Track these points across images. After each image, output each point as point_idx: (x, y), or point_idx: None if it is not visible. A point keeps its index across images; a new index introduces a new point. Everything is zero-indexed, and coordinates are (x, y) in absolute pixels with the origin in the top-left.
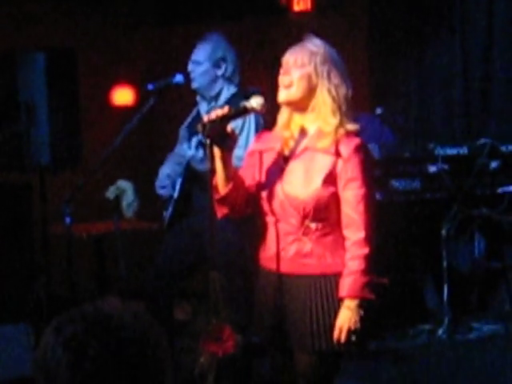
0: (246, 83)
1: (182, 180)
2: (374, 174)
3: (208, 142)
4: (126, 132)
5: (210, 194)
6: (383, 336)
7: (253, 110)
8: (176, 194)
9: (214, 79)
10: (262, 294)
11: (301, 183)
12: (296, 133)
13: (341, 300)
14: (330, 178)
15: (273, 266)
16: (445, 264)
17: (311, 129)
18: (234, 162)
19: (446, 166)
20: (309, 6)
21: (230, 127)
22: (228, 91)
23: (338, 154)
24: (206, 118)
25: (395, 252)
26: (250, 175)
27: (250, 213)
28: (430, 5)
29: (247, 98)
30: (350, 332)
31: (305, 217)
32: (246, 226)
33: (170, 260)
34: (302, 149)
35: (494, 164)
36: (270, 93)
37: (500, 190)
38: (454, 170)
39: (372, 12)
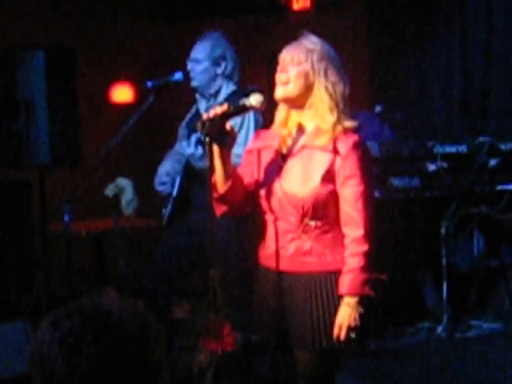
0: (246, 81)
1: (181, 178)
2: (373, 170)
3: (207, 139)
4: (126, 130)
5: (209, 191)
6: (383, 334)
7: (252, 107)
8: (175, 192)
9: (214, 77)
10: (262, 293)
11: (299, 181)
12: (294, 130)
13: (340, 297)
14: (329, 176)
15: (272, 264)
16: (444, 262)
17: (309, 126)
18: (233, 159)
19: (445, 164)
20: (308, 4)
21: (229, 125)
22: (227, 89)
23: (335, 151)
24: (205, 116)
25: (394, 250)
26: (249, 173)
27: (248, 211)
28: (429, 3)
29: (246, 95)
30: (349, 329)
31: (304, 215)
32: (245, 223)
33: (169, 258)
34: (300, 147)
35: (493, 162)
36: (269, 91)
37: (499, 188)
38: (454, 168)
39: (372, 10)
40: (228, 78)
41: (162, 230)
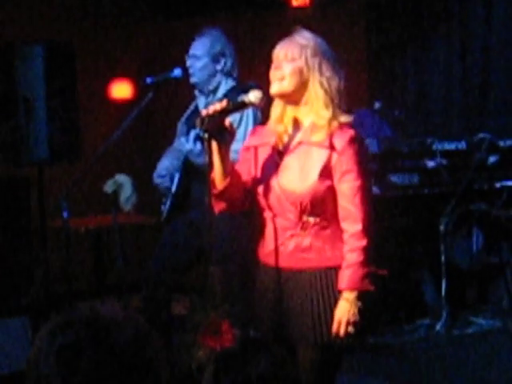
0: (244, 78)
1: (180, 174)
2: (369, 165)
3: (206, 136)
4: (125, 126)
5: (208, 188)
6: (382, 330)
7: (251, 103)
8: (174, 188)
9: (213, 74)
10: (262, 290)
11: (297, 178)
12: (290, 127)
13: (340, 292)
14: (326, 172)
15: (272, 261)
16: (443, 259)
17: (305, 122)
18: (232, 155)
19: (444, 161)
20: (307, 1)
21: (228, 121)
22: (226, 85)
23: (332, 147)
24: (204, 112)
25: (393, 247)
26: (246, 170)
27: (247, 208)
28: (428, 0)
29: (245, 92)
30: (348, 324)
31: (302, 211)
32: (244, 220)
33: (168, 254)
34: (297, 143)
35: (492, 159)
36: (268, 87)
37: (498, 185)
38: (453, 165)
39: (371, 7)
40: (227, 74)
41: (160, 226)
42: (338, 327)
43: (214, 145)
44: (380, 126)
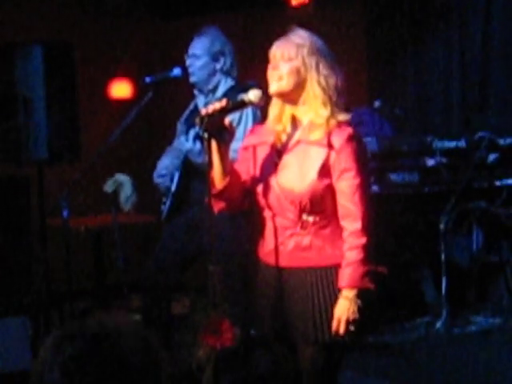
0: (244, 77)
1: (179, 173)
2: (368, 163)
3: (206, 135)
4: (124, 125)
5: (208, 187)
6: (382, 329)
7: (250, 102)
8: (174, 188)
9: (213, 73)
10: (263, 289)
11: (296, 176)
12: (288, 125)
13: (340, 290)
14: (325, 170)
15: (272, 260)
16: (443, 257)
17: (303, 120)
18: (232, 154)
19: (444, 160)
20: None
21: (227, 120)
22: (225, 84)
23: (330, 145)
24: (203, 111)
25: (393, 245)
26: (245, 170)
27: (246, 207)
28: None
29: (245, 91)
30: (348, 322)
31: (301, 210)
32: (244, 219)
33: (168, 253)
34: (295, 142)
35: (492, 157)
36: (267, 86)
37: (498, 183)
38: (452, 164)
39: (370, 6)
40: (226, 73)
41: (160, 225)
42: (338, 325)
43: (214, 144)
44: (380, 125)
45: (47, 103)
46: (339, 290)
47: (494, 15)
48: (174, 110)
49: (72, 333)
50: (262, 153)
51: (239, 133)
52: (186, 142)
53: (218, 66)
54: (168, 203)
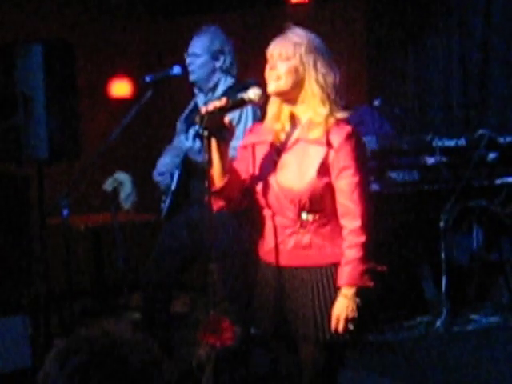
0: (244, 75)
1: (179, 172)
2: (367, 161)
3: (206, 133)
4: (124, 124)
5: (208, 185)
6: (382, 327)
7: (250, 101)
8: (174, 186)
9: (212, 71)
10: (263, 288)
11: (295, 175)
12: (287, 124)
13: (339, 289)
14: (324, 169)
15: (272, 259)
16: (443, 256)
17: (302, 119)
18: (232, 152)
19: (444, 158)
20: None
21: (227, 118)
22: (225, 83)
23: (329, 144)
24: (203, 110)
25: (393, 244)
26: (244, 169)
27: (245, 206)
28: None
29: (245, 89)
30: (347, 321)
31: (301, 209)
32: (244, 217)
33: (168, 252)
34: (294, 140)
35: (492, 155)
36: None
37: (498, 182)
38: (452, 162)
39: (370, 4)
40: (226, 71)
41: (160, 224)
42: (337, 323)
43: (214, 142)
44: (380, 124)
45: (47, 102)
46: (338, 288)
47: (493, 14)
48: (174, 109)
49: (77, 344)
50: (261, 152)
51: (239, 131)
52: (185, 141)
53: (218, 65)
54: (168, 202)
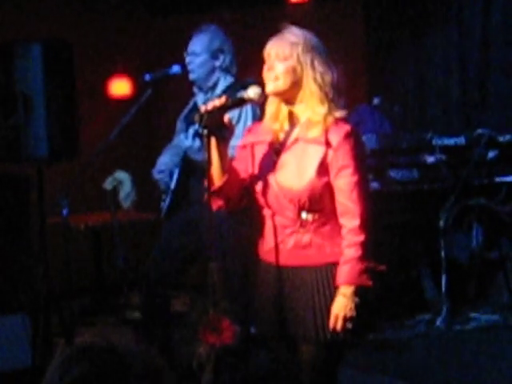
0: (243, 74)
1: (179, 170)
2: (366, 160)
3: (205, 132)
4: (124, 123)
5: (207, 184)
6: (382, 326)
7: (250, 100)
8: (173, 185)
9: (212, 70)
10: (263, 287)
11: (294, 175)
12: (286, 124)
13: (337, 288)
14: (323, 168)
15: (272, 258)
16: (443, 254)
17: (301, 118)
18: (231, 151)
19: (443, 157)
20: None
21: (227, 117)
22: (225, 82)
23: (328, 143)
24: (203, 108)
25: (393, 242)
26: (243, 168)
27: (244, 205)
28: None
29: (244, 88)
30: (346, 320)
31: (300, 208)
32: (243, 216)
33: (168, 252)
34: (293, 140)
35: (491, 154)
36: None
37: (497, 180)
38: (452, 161)
39: (369, 3)
40: (226, 70)
41: (160, 223)
42: (335, 322)
43: (213, 141)
44: (380, 122)
45: (46, 102)
46: (337, 287)
47: (493, 13)
48: (174, 108)
49: (78, 354)
50: (260, 151)
51: (239, 130)
52: (185, 140)
53: (218, 64)
54: (167, 201)
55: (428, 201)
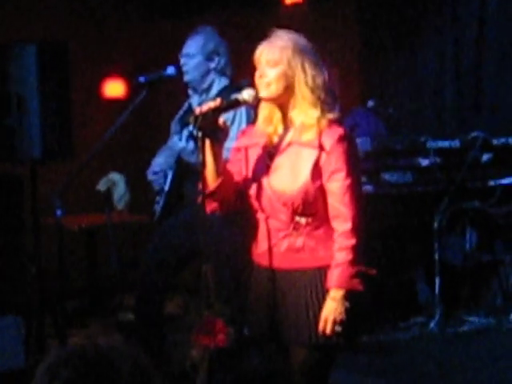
0: (238, 76)
1: (173, 172)
2: (360, 163)
3: (200, 134)
4: (118, 125)
5: (202, 186)
6: (375, 329)
7: (245, 102)
8: (167, 187)
9: (207, 72)
10: (256, 290)
11: (288, 178)
12: (279, 127)
13: (327, 291)
14: (316, 171)
15: (265, 261)
16: (436, 257)
17: (295, 121)
18: (225, 154)
19: (437, 159)
20: None
21: (221, 119)
22: (220, 84)
23: (321, 146)
24: (198, 110)
25: (387, 245)
26: (237, 171)
27: (238, 208)
28: None
29: (239, 90)
30: (335, 323)
31: (294, 212)
32: (237, 218)
33: (161, 253)
34: (287, 143)
35: (485, 157)
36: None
37: (492, 183)
38: (446, 163)
39: (363, 5)
40: (220, 72)
41: (154, 225)
42: (325, 326)
43: (208, 143)
44: (375, 125)
45: (41, 102)
46: (327, 291)
47: (488, 15)
48: (169, 110)
49: (66, 357)
50: (254, 155)
51: (233, 132)
52: (178, 142)
53: (212, 66)
54: (161, 202)
55: (422, 203)
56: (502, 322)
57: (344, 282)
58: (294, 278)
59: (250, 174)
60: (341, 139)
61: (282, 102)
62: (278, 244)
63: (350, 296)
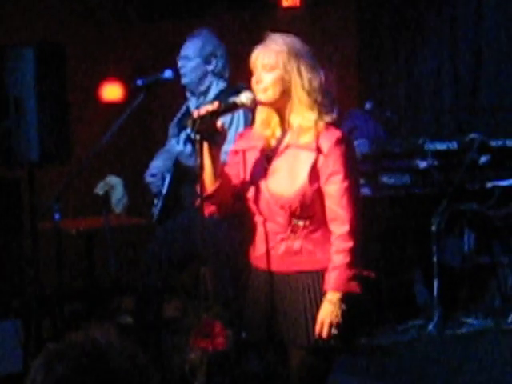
0: (236, 79)
1: (171, 175)
2: (357, 166)
3: (198, 137)
4: (116, 128)
5: (200, 190)
6: (374, 331)
7: (243, 105)
8: (165, 190)
9: (204, 74)
10: (254, 293)
11: (285, 181)
12: (277, 130)
13: (324, 294)
14: (314, 174)
15: (263, 264)
16: (435, 259)
17: (292, 124)
18: (223, 157)
19: (435, 161)
20: (297, 1)
21: (219, 122)
22: (217, 86)
23: (318, 149)
24: (195, 113)
25: (385, 247)
26: (235, 174)
27: (236, 211)
28: (420, 1)
29: (237, 93)
30: (331, 326)
31: (291, 215)
32: (235, 221)
33: (160, 257)
34: (285, 146)
35: (483, 159)
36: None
37: (489, 185)
38: (444, 165)
39: (362, 7)
40: (218, 75)
41: (151, 228)
42: (321, 328)
43: (205, 146)
44: (373, 128)
45: (38, 105)
46: (324, 293)
47: (485, 17)
48: (166, 113)
49: (62, 352)
50: (252, 158)
51: (231, 135)
52: (176, 145)
53: (210, 68)
54: (159, 205)
55: (420, 206)
56: (500, 323)
57: (341, 284)
58: (291, 281)
59: (247, 177)
60: (338, 142)
61: (280, 106)
62: (275, 247)
63: (347, 298)
